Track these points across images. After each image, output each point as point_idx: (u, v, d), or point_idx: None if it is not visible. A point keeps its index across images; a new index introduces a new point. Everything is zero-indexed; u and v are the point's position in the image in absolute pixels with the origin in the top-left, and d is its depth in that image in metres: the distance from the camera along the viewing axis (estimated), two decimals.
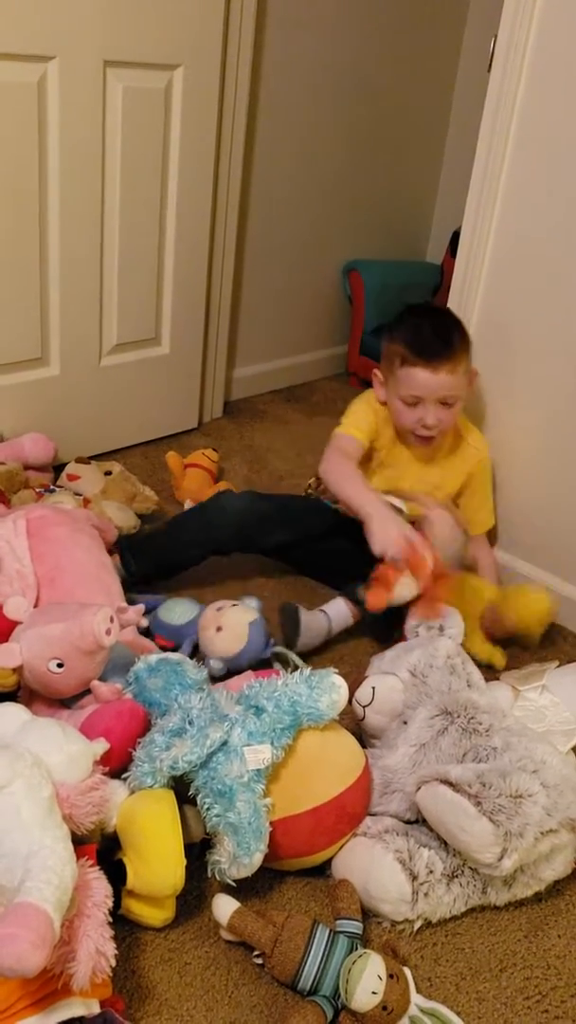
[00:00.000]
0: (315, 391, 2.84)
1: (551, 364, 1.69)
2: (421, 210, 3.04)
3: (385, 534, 1.44)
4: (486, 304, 1.78)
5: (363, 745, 1.26)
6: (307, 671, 1.16)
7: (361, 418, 1.66)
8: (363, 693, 1.29)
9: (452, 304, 1.81)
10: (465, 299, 1.79)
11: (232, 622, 1.46)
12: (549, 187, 1.62)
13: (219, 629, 1.45)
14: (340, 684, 1.15)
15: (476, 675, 1.33)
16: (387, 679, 1.29)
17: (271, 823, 1.07)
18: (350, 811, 1.14)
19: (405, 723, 1.25)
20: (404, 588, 1.43)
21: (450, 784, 1.08)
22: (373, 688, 1.28)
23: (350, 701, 1.21)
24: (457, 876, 1.12)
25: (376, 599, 1.43)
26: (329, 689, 1.14)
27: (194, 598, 1.59)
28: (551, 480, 1.74)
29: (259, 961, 1.04)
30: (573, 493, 1.71)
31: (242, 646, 1.44)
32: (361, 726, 1.31)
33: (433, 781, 1.10)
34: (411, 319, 1.66)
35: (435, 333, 1.61)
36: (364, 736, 1.32)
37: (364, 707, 1.28)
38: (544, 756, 1.15)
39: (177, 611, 1.54)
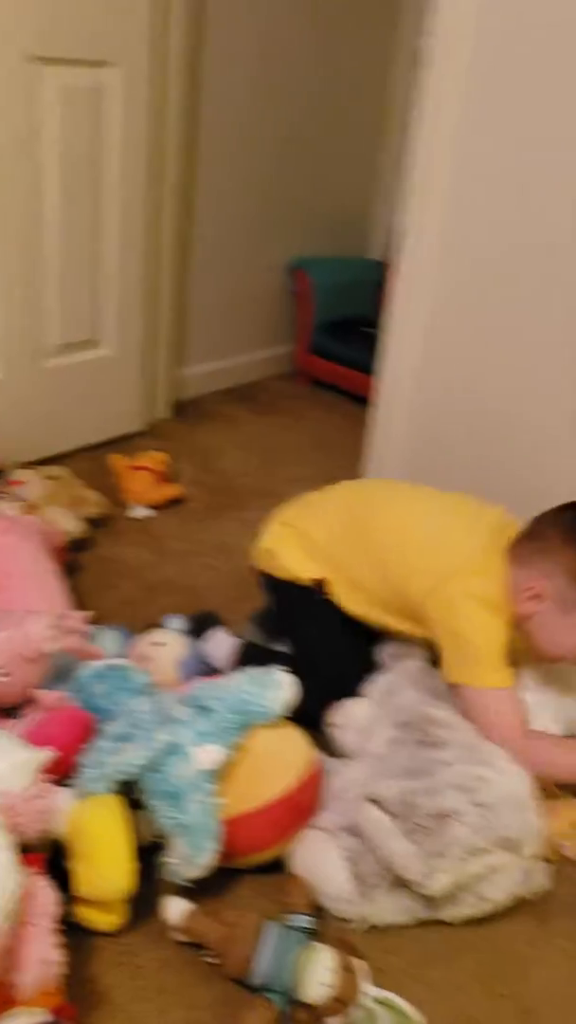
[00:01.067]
0: (264, 390, 2.84)
1: (497, 374, 1.71)
2: (361, 207, 3.06)
3: None
4: (433, 306, 1.79)
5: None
6: (253, 670, 1.17)
7: (502, 651, 1.27)
8: (332, 712, 1.32)
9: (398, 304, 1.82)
10: (409, 298, 1.81)
11: (159, 670, 1.36)
12: (490, 182, 1.64)
13: None
14: (287, 681, 1.16)
15: (442, 687, 1.31)
16: (354, 699, 1.33)
17: (224, 821, 1.07)
18: (302, 806, 1.15)
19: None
20: None
21: (378, 803, 1.10)
22: (341, 708, 1.32)
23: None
24: (403, 886, 1.11)
25: None
26: (276, 686, 1.15)
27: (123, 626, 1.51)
28: None
29: (212, 960, 1.04)
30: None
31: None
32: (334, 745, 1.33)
33: (365, 799, 1.12)
34: None
35: None
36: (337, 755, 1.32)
37: (332, 726, 1.31)
38: (485, 773, 1.13)
39: (103, 647, 1.43)
